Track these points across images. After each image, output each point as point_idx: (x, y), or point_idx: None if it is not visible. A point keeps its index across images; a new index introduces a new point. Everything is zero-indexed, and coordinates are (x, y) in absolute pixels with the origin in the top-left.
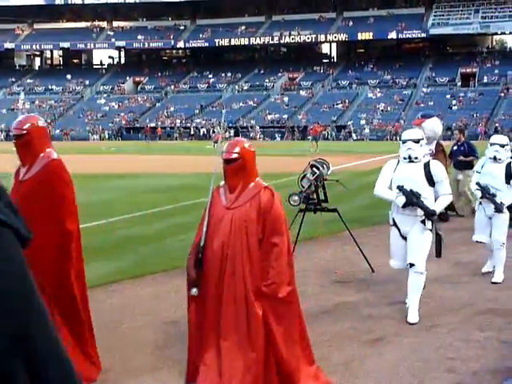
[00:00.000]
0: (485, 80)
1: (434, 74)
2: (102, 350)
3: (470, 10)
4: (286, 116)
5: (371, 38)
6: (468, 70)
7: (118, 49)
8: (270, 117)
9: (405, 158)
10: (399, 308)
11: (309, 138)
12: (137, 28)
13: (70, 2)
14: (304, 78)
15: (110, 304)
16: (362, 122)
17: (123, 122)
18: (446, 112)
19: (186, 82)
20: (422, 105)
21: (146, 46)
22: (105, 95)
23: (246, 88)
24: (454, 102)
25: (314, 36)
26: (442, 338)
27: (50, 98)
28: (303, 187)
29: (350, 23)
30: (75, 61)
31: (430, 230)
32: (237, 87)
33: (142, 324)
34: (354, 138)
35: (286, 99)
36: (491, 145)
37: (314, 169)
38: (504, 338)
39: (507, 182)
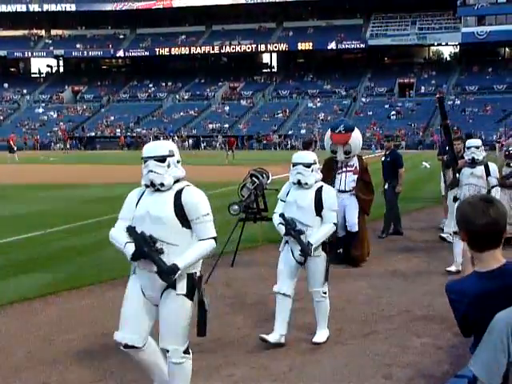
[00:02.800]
0: (422, 90)
1: (372, 85)
2: (38, 363)
3: (407, 22)
4: (227, 125)
5: (311, 48)
6: (406, 81)
7: (57, 57)
8: (211, 126)
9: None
10: (337, 315)
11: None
12: (75, 36)
13: (6, 10)
14: (245, 87)
15: (47, 316)
16: (303, 131)
17: (59, 133)
18: (385, 122)
19: (126, 91)
20: (362, 114)
21: (85, 54)
22: (43, 104)
23: (186, 97)
24: (392, 112)
25: (254, 46)
26: (379, 344)
27: None
28: (243, 196)
29: (290, 33)
30: (12, 69)
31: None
32: (177, 96)
33: (79, 336)
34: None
35: (226, 108)
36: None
37: (254, 178)
38: (440, 343)
39: (317, 214)
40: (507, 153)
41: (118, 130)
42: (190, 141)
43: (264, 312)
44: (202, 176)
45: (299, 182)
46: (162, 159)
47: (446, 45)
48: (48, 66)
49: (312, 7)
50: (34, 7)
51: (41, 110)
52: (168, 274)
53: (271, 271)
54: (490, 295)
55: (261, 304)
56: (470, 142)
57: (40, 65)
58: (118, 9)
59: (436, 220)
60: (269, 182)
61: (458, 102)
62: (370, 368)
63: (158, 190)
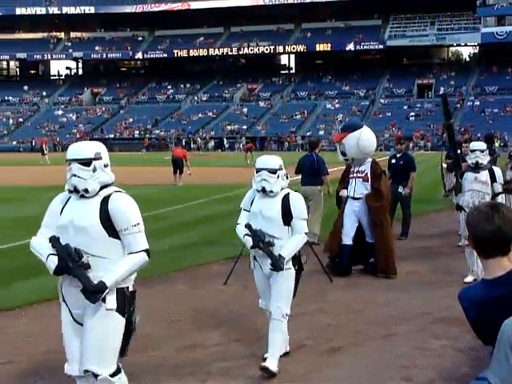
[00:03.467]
0: (441, 91)
1: (391, 85)
2: (58, 363)
3: (426, 22)
4: (245, 127)
5: (329, 49)
6: (424, 82)
7: (76, 59)
8: (229, 127)
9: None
10: (355, 317)
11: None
12: (94, 39)
13: (26, 13)
14: (263, 89)
15: None
16: (321, 132)
17: (78, 135)
18: (404, 123)
19: (145, 93)
20: (380, 115)
21: (104, 56)
22: (62, 106)
23: (204, 99)
24: (411, 112)
25: (272, 47)
26: (398, 346)
27: (7, 109)
28: None
29: (309, 34)
30: (32, 72)
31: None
32: (196, 98)
33: None
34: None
35: (245, 110)
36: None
37: None
38: (459, 345)
39: (285, 224)
40: None
41: (137, 132)
42: (213, 142)
43: None
44: (222, 177)
45: (264, 190)
46: (86, 162)
47: (466, 45)
48: (67, 68)
49: (330, 8)
50: (54, 10)
51: (60, 112)
52: (94, 293)
53: None
54: (494, 302)
55: None
56: (473, 145)
57: (59, 67)
58: (136, 11)
59: (455, 222)
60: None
61: (478, 103)
62: (389, 370)
63: (82, 197)
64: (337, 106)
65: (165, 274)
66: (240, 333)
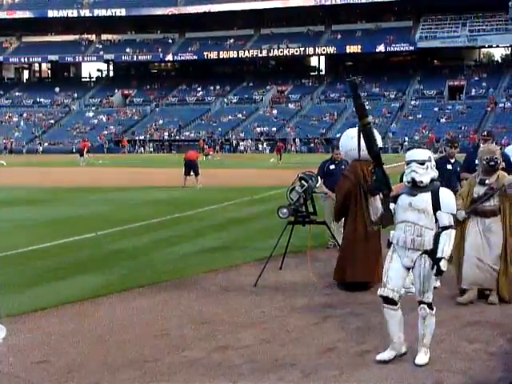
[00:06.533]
0: (472, 93)
1: (421, 87)
2: (90, 364)
3: (458, 24)
4: (274, 129)
5: (359, 51)
6: (456, 83)
7: (107, 62)
8: (258, 129)
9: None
10: None
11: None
12: (125, 41)
13: (58, 15)
14: (292, 90)
15: (98, 317)
16: None
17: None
18: (435, 125)
19: (175, 94)
20: (411, 117)
21: (135, 58)
22: (93, 108)
23: (234, 101)
24: (441, 114)
25: (302, 49)
26: (429, 349)
27: (38, 111)
28: (292, 200)
29: (339, 36)
30: (64, 74)
31: None
32: (225, 100)
33: (131, 337)
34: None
35: (274, 112)
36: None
37: (303, 181)
38: (492, 350)
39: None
40: (487, 162)
41: (166, 134)
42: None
43: (313, 316)
44: (254, 179)
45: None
46: None
47: (497, 46)
48: (98, 70)
49: (360, 10)
50: (85, 12)
51: (91, 114)
52: None
53: (320, 274)
54: None
55: (310, 307)
56: (409, 155)
57: (90, 69)
58: (167, 13)
59: None
60: (318, 185)
61: (509, 105)
62: (420, 373)
63: None
64: (367, 107)
65: (196, 275)
66: (271, 334)
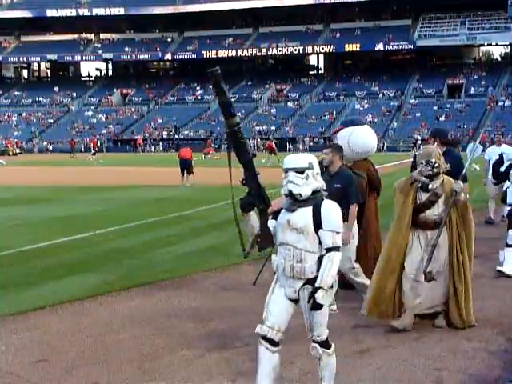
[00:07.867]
0: (472, 91)
1: (421, 86)
2: (89, 363)
3: (457, 22)
4: (273, 128)
5: (358, 49)
6: (455, 82)
7: (106, 61)
8: (257, 128)
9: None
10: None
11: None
12: (124, 40)
13: (57, 15)
14: (291, 89)
15: (98, 316)
16: None
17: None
18: (434, 123)
19: (174, 93)
20: (410, 116)
21: (134, 58)
22: (92, 107)
23: (233, 100)
24: (441, 113)
25: (301, 48)
26: (429, 348)
27: (37, 110)
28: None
29: (337, 35)
30: (62, 73)
31: None
32: None
33: (130, 336)
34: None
35: (273, 111)
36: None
37: None
38: (492, 348)
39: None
40: (424, 166)
41: (165, 133)
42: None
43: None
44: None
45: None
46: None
47: (497, 45)
48: (97, 69)
49: (359, 8)
50: (84, 11)
51: (90, 113)
52: None
53: None
54: None
55: None
56: (286, 162)
57: (89, 68)
58: (165, 12)
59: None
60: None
61: (509, 104)
62: (420, 372)
63: None
64: (366, 106)
65: (195, 273)
66: None
